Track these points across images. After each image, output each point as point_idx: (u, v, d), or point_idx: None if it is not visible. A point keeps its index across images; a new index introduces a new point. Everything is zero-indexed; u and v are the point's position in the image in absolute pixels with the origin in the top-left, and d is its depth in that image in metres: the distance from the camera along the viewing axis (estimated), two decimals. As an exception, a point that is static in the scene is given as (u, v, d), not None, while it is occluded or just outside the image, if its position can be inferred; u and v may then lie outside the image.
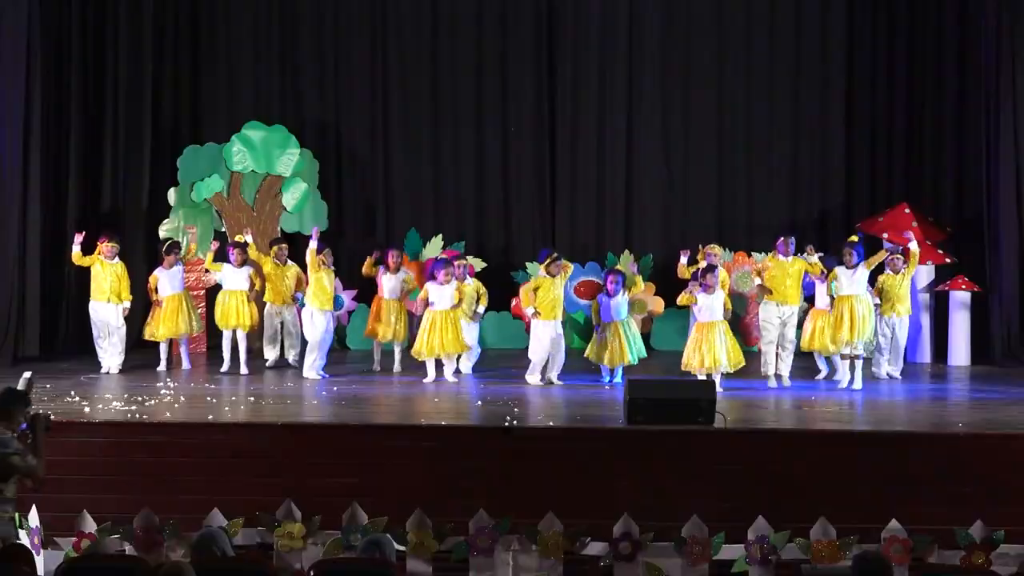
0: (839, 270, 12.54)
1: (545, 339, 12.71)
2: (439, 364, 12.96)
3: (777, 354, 12.68)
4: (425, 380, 12.84)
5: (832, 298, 12.57)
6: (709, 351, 12.19)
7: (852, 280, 12.46)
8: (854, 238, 13.00)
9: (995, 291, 14.30)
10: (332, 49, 16.19)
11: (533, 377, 12.81)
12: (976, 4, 14.70)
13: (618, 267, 13.65)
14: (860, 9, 15.76)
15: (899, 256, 12.91)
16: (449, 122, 16.24)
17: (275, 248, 13.83)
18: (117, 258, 13.45)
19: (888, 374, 13.15)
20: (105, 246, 13.38)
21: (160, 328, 13.57)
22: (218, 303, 13.63)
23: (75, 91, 15.06)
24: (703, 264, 13.10)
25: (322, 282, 13.09)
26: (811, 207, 16.04)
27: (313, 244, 13.16)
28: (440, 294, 12.88)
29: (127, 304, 13.43)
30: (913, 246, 12.80)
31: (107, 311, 13.34)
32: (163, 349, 13.69)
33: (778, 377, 12.63)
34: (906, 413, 11.80)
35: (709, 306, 12.34)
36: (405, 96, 16.16)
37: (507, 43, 16.14)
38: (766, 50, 15.98)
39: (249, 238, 13.75)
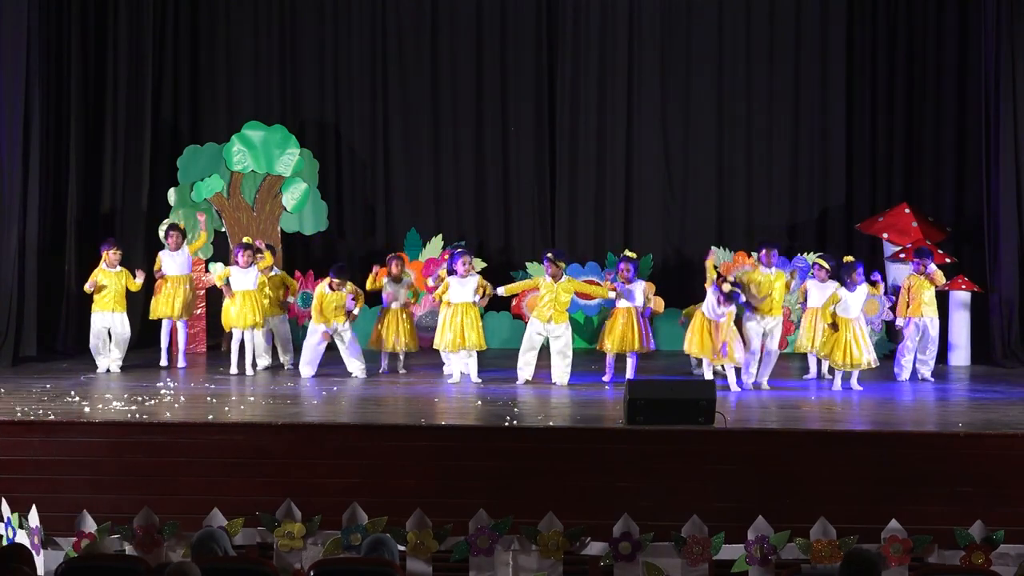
0: (843, 292, 12.46)
1: (529, 333, 12.86)
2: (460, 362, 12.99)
3: (761, 360, 12.65)
4: (450, 380, 12.82)
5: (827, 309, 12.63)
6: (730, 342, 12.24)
7: (855, 302, 12.46)
8: (849, 258, 12.85)
9: (995, 291, 14.31)
10: (332, 49, 16.20)
11: (521, 371, 12.86)
12: (976, 4, 14.70)
13: (629, 254, 13.59)
14: (860, 9, 15.76)
15: (926, 261, 12.95)
16: (449, 122, 16.25)
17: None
18: (119, 266, 13.48)
19: (921, 376, 13.13)
20: (111, 254, 13.40)
21: (161, 307, 13.72)
22: (227, 305, 13.47)
23: (75, 91, 15.06)
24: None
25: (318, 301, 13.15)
26: (811, 207, 16.04)
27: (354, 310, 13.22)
28: (461, 287, 12.88)
29: (140, 279, 13.53)
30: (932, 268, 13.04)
31: (107, 320, 13.37)
32: (163, 341, 13.78)
33: (757, 386, 12.56)
34: (906, 413, 11.79)
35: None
36: (405, 96, 16.16)
37: (507, 43, 16.15)
38: (766, 50, 15.98)
39: (261, 246, 13.79)
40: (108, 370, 13.35)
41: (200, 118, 16.07)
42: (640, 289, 12.87)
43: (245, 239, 13.92)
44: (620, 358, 12.93)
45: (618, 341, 12.74)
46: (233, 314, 13.39)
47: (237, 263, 13.51)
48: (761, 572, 9.30)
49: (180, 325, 13.91)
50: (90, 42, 15.29)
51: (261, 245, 13.83)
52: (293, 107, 16.16)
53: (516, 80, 16.14)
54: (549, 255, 12.94)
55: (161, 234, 14.92)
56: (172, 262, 13.83)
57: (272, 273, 13.82)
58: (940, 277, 13.12)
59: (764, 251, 12.80)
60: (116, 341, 13.47)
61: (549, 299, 12.74)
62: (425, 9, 16.13)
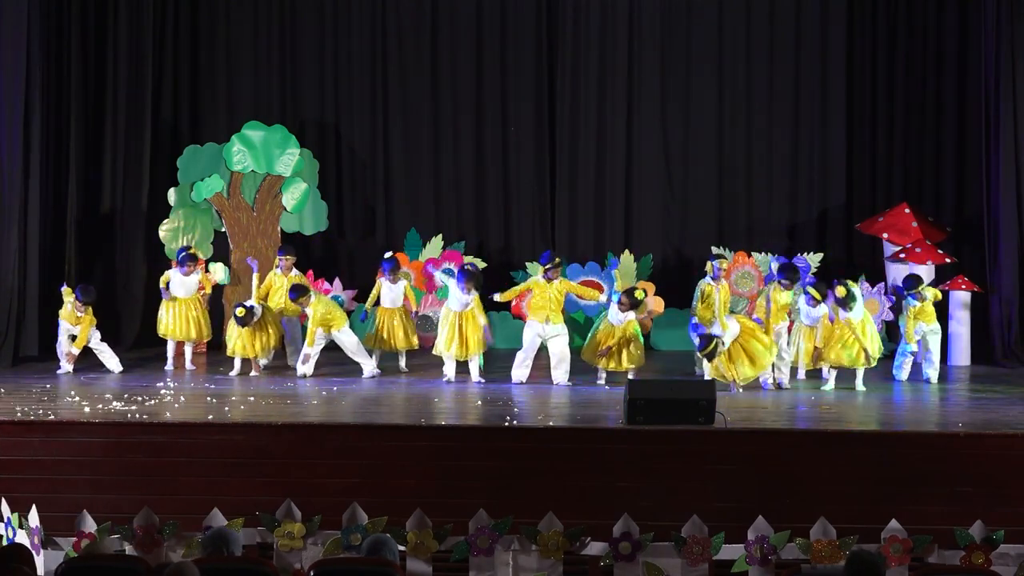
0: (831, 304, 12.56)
1: (527, 335, 12.84)
2: (460, 363, 12.99)
3: (774, 365, 12.66)
4: (445, 381, 12.83)
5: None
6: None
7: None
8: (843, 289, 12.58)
9: (995, 291, 14.31)
10: (332, 49, 16.18)
11: (515, 372, 12.86)
12: (976, 4, 14.70)
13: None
14: (860, 9, 15.75)
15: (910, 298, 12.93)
16: (449, 122, 16.23)
17: (277, 259, 13.87)
18: (83, 313, 13.15)
19: (926, 376, 13.11)
20: (80, 304, 13.07)
21: (171, 327, 13.62)
22: (234, 331, 13.29)
23: (75, 91, 15.05)
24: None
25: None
26: (811, 207, 16.03)
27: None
28: (458, 298, 12.93)
29: (75, 351, 13.17)
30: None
31: (70, 328, 13.20)
32: (170, 349, 13.71)
33: (779, 387, 12.58)
34: (906, 413, 11.80)
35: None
36: (405, 96, 16.15)
37: (507, 43, 16.13)
38: (766, 50, 15.97)
39: (255, 305, 13.47)
40: (70, 372, 13.17)
41: (200, 118, 16.05)
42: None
43: (256, 305, 13.35)
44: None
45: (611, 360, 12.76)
46: (252, 341, 13.23)
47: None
48: (761, 572, 9.30)
49: (187, 345, 13.82)
50: (90, 42, 15.27)
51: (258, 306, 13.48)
52: (293, 107, 16.14)
53: (516, 80, 16.12)
54: (556, 259, 12.98)
55: (161, 234, 14.92)
56: (182, 284, 13.66)
57: (292, 274, 13.78)
58: (928, 308, 13.06)
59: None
60: (100, 351, 13.35)
61: (543, 299, 12.78)
62: (425, 9, 16.12)
